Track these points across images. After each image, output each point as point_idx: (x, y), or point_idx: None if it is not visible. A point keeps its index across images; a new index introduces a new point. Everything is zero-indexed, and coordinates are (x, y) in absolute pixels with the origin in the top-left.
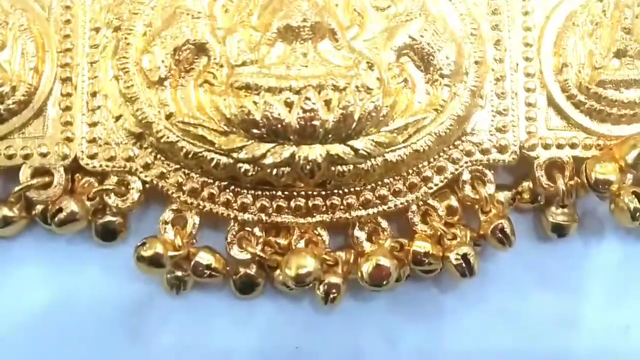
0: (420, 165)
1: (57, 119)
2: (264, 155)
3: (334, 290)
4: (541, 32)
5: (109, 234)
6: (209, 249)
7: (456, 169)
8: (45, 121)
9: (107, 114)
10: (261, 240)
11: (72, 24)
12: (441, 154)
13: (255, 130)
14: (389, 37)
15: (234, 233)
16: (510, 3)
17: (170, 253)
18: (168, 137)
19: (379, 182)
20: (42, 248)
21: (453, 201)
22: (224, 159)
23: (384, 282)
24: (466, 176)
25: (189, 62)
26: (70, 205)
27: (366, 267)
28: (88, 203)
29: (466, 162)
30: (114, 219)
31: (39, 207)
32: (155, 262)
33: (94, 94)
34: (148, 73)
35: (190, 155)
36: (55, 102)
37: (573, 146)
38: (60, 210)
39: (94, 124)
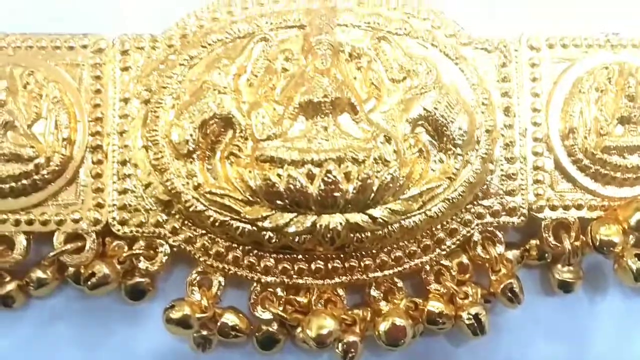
0: (433, 229)
1: (89, 186)
2: (287, 225)
3: (352, 350)
4: (549, 98)
5: (137, 294)
6: (234, 309)
7: (468, 231)
8: (78, 188)
9: (137, 182)
10: (282, 299)
11: (102, 94)
12: (454, 217)
13: (279, 201)
14: (404, 109)
15: (257, 293)
16: (519, 70)
17: (198, 315)
18: (196, 207)
19: (395, 245)
20: (73, 306)
21: (464, 259)
22: (249, 227)
23: (400, 342)
24: (477, 237)
25: (215, 135)
26: (103, 270)
27: (383, 327)
28: (119, 266)
29: (477, 225)
30: (142, 280)
31: (71, 269)
32: (183, 323)
33: (123, 163)
34: (177, 146)
35: (217, 224)
36: (87, 170)
37: (579, 207)
38: (93, 274)
39: (124, 191)
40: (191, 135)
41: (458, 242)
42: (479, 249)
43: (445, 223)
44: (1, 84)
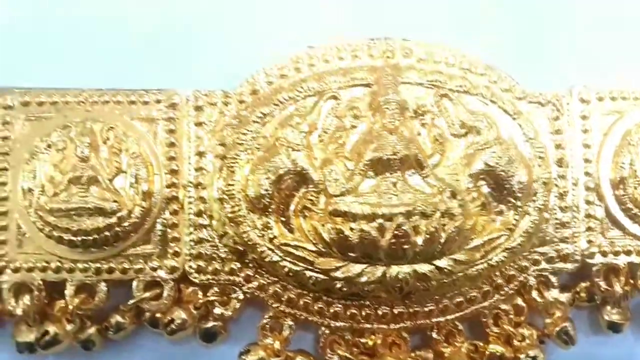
0: (493, 276)
1: (166, 236)
2: (359, 275)
3: None
4: (599, 149)
5: (210, 337)
6: (305, 353)
7: (524, 277)
8: (155, 238)
9: (212, 232)
10: (350, 342)
11: (177, 148)
12: (511, 264)
13: (351, 253)
14: (467, 164)
15: (325, 337)
16: (571, 123)
17: (272, 359)
18: (272, 258)
19: (456, 291)
20: (147, 347)
21: (519, 301)
22: (322, 277)
23: None
24: (532, 282)
25: (289, 190)
26: (181, 316)
27: None
28: (195, 312)
29: (533, 271)
30: (216, 324)
31: (148, 314)
32: None
33: (199, 214)
34: (253, 200)
35: (291, 273)
36: (164, 221)
37: (628, 253)
38: (172, 320)
39: (200, 241)
40: (267, 190)
41: (515, 287)
42: (534, 293)
43: (503, 270)
44: (84, 140)
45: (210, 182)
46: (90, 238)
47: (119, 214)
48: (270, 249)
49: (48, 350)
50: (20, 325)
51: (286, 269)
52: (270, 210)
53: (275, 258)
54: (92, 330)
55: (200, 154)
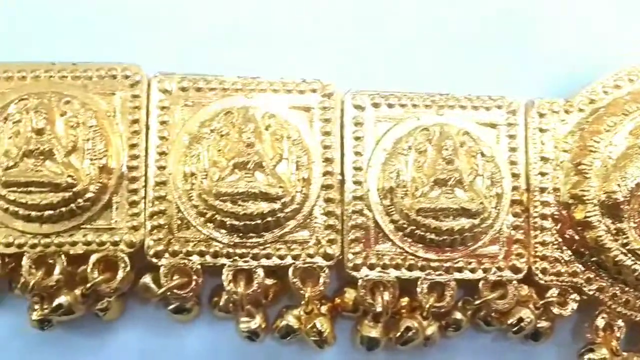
0: None
1: (510, 238)
2: None
3: None
4: None
5: (540, 336)
6: (638, 354)
7: None
8: (501, 239)
9: (557, 235)
10: None
11: (518, 152)
12: None
13: None
14: None
15: None
16: None
17: (615, 358)
18: (624, 262)
19: None
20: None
21: None
22: None
23: None
24: None
25: None
26: (529, 315)
27: None
28: (536, 311)
29: None
30: (546, 324)
31: (482, 312)
32: None
33: (543, 217)
34: (610, 206)
35: None
36: (508, 222)
37: None
38: (521, 320)
39: (544, 244)
40: (625, 197)
41: None
42: None
43: None
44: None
45: (555, 186)
46: (450, 238)
47: (481, 216)
48: (623, 253)
49: (406, 346)
50: (366, 320)
51: (637, 273)
52: (625, 216)
53: (628, 262)
54: (434, 327)
55: (544, 159)
